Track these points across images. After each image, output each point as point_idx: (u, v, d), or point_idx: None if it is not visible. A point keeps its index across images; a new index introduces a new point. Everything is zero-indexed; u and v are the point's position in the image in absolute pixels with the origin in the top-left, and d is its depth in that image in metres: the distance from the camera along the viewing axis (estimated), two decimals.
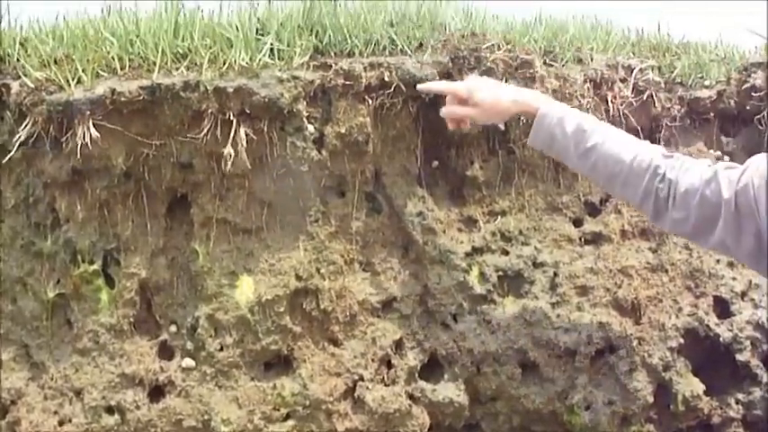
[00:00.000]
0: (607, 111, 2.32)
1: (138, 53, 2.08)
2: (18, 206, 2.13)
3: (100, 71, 2.02)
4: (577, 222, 2.36)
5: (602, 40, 2.49)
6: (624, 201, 2.24)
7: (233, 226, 2.10)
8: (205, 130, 1.99)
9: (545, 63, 2.28)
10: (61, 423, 2.07)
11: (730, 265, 2.35)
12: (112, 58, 2.06)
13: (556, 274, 2.28)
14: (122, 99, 1.96)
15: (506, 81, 2.21)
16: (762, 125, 2.45)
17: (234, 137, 1.98)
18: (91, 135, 1.94)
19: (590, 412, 2.21)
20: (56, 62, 2.06)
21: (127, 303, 2.08)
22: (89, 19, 2.27)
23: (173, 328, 2.11)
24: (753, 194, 1.67)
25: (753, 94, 2.44)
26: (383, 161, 2.21)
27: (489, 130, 2.26)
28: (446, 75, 2.16)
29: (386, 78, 2.09)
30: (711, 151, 2.52)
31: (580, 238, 2.33)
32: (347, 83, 2.06)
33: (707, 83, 2.52)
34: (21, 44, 2.15)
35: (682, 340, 2.26)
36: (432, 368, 2.22)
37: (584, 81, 2.28)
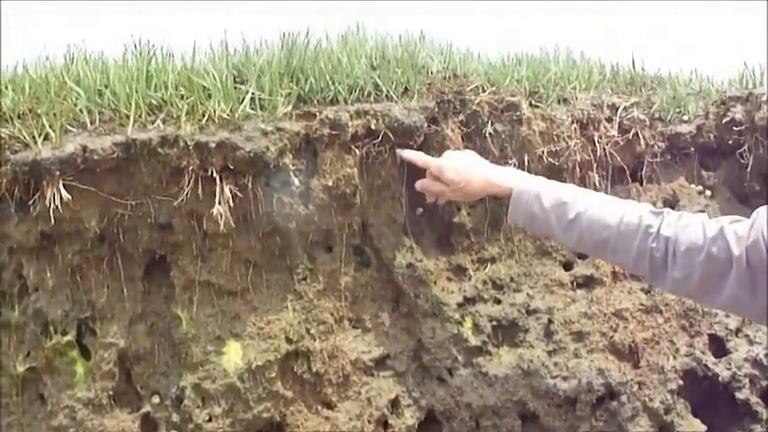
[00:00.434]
0: (594, 151, 2.29)
1: (109, 105, 1.95)
2: None
3: (68, 126, 1.89)
4: (567, 266, 2.32)
5: (583, 77, 2.45)
6: (619, 265, 2.19)
7: (217, 288, 1.98)
8: (185, 188, 1.87)
9: (530, 104, 2.23)
10: None
11: None
12: (80, 110, 1.92)
13: (550, 321, 2.22)
14: (95, 157, 1.83)
15: (492, 124, 2.16)
16: (743, 159, 2.45)
17: (217, 194, 1.87)
18: (61, 197, 1.81)
19: None
20: (19, 117, 1.92)
21: (105, 375, 1.93)
22: (51, 67, 2.14)
23: (155, 400, 1.97)
24: (765, 249, 1.58)
25: (733, 128, 2.44)
26: (369, 212, 2.12)
27: None
28: (432, 120, 2.10)
29: (373, 126, 2.01)
30: (693, 186, 2.52)
31: (572, 282, 2.29)
32: (333, 132, 1.97)
33: (685, 117, 2.51)
34: None
35: (681, 382, 2.23)
36: (430, 425, 2.14)
37: (571, 122, 2.24)
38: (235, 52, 2.16)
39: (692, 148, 2.50)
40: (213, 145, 1.85)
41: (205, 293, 1.98)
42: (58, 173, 1.81)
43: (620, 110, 2.34)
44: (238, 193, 1.89)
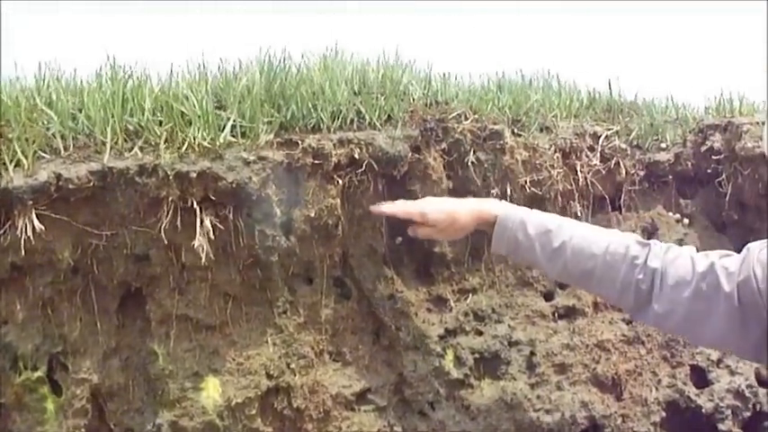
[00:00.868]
0: (576, 180, 2.29)
1: (83, 130, 1.89)
2: None
3: (40, 152, 1.83)
4: (548, 296, 2.31)
5: (564, 105, 2.45)
6: (602, 298, 2.17)
7: (195, 322, 1.92)
8: (163, 219, 1.82)
9: (513, 133, 2.22)
10: None
11: None
12: (53, 135, 1.86)
13: (532, 353, 2.21)
14: (69, 186, 1.76)
15: (475, 153, 2.15)
16: (721, 187, 2.47)
17: (197, 226, 1.82)
18: (33, 227, 1.74)
19: None
20: None
21: (77, 413, 1.85)
22: (21, 88, 2.07)
23: None
24: (756, 286, 1.57)
25: (711, 156, 2.46)
26: (350, 242, 2.09)
27: None
28: (415, 149, 2.07)
29: (356, 156, 1.98)
30: (671, 214, 2.53)
31: (553, 313, 2.28)
32: (316, 162, 1.94)
33: (663, 145, 2.53)
34: None
35: (664, 413, 2.25)
36: None
37: (554, 151, 2.24)
38: (213, 76, 2.11)
39: (670, 176, 2.53)
40: (194, 175, 1.79)
41: (182, 327, 1.92)
42: (30, 202, 1.74)
43: (601, 138, 2.34)
44: (219, 225, 1.84)
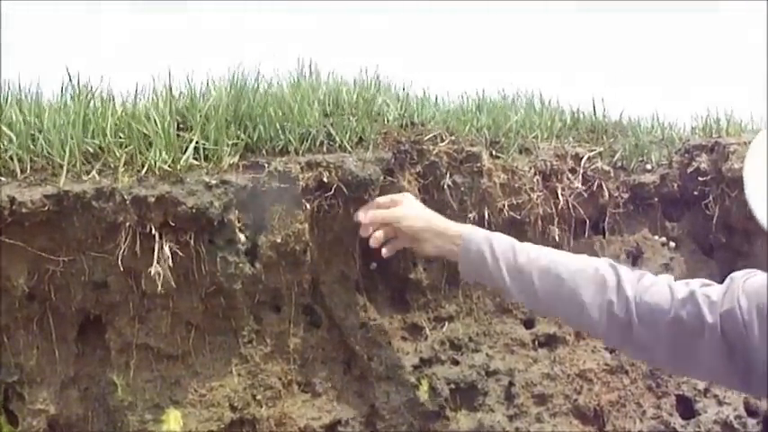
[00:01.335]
0: (556, 204, 2.23)
1: (42, 152, 1.83)
2: None
3: None
4: (528, 324, 2.25)
5: (545, 125, 2.40)
6: (570, 324, 2.07)
7: (156, 352, 1.86)
8: (122, 245, 1.75)
9: (491, 155, 2.17)
10: None
11: None
12: (11, 158, 1.80)
13: (511, 383, 2.16)
14: (23, 210, 1.70)
15: (451, 176, 2.10)
16: (708, 210, 2.41)
17: (157, 252, 1.76)
18: None
19: None
20: None
21: None
22: None
23: None
24: (741, 318, 1.51)
25: (698, 177, 2.41)
26: (320, 269, 2.03)
27: None
28: (388, 171, 2.02)
29: (325, 179, 1.91)
30: (656, 237, 2.48)
31: (533, 341, 2.23)
32: (283, 186, 1.87)
33: (649, 166, 2.48)
34: None
35: None
36: None
37: (534, 173, 2.18)
38: (180, 95, 2.05)
39: (656, 199, 2.48)
40: (152, 199, 1.73)
41: (143, 357, 1.86)
42: None
43: (583, 160, 2.29)
44: (179, 252, 1.78)
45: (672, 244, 2.48)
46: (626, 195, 2.41)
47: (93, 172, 1.77)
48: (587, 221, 2.32)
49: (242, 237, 1.85)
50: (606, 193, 2.33)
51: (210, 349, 1.91)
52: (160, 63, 2.08)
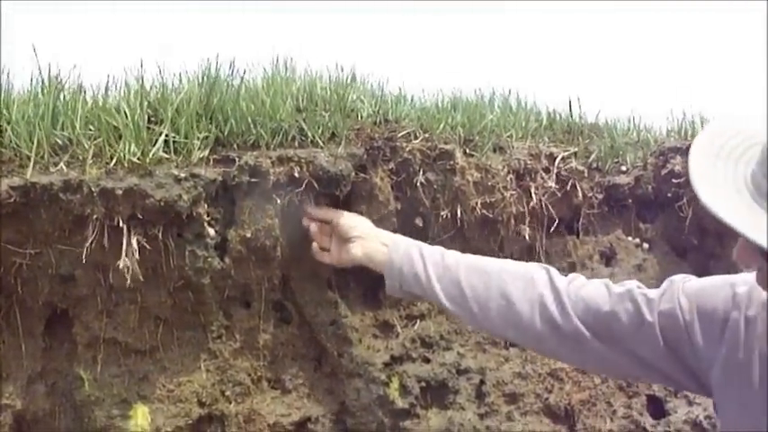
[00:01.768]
0: (529, 203, 2.24)
1: (10, 144, 1.82)
2: None
3: None
4: None
5: (520, 125, 2.41)
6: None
7: (123, 346, 1.86)
8: (89, 238, 1.75)
9: (465, 153, 2.17)
10: None
11: None
12: None
13: (482, 382, 2.17)
14: None
15: (424, 173, 2.10)
16: (682, 212, 2.43)
17: (124, 245, 1.76)
18: None
19: None
20: None
21: None
22: None
23: None
24: (682, 318, 1.52)
25: (672, 179, 2.42)
26: (291, 265, 2.02)
27: (405, 225, 2.12)
28: (360, 168, 2.01)
29: (296, 174, 1.91)
30: (630, 238, 2.49)
31: (505, 340, 2.22)
32: (253, 180, 1.87)
33: (623, 168, 2.49)
34: None
35: None
36: None
37: (507, 172, 2.19)
38: (152, 88, 2.04)
39: (630, 200, 2.49)
40: (120, 192, 1.72)
41: (110, 352, 1.86)
42: None
43: (558, 160, 2.29)
44: (147, 245, 1.77)
45: (645, 245, 2.49)
46: (600, 196, 2.42)
47: (62, 164, 1.77)
48: (561, 221, 2.33)
49: (211, 231, 1.85)
50: (580, 194, 2.33)
51: (179, 344, 1.91)
52: (131, 57, 2.08)
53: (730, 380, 1.46)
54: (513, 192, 2.21)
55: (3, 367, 1.82)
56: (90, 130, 1.86)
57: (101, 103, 1.94)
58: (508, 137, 2.33)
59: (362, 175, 2.02)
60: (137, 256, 1.75)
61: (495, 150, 2.26)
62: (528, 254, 2.30)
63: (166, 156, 1.83)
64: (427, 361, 2.15)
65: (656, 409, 2.28)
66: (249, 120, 1.94)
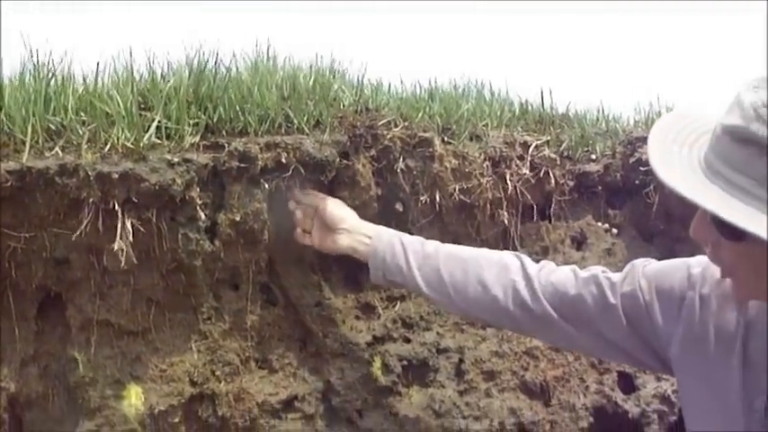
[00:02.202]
0: (505, 189, 2.33)
1: (3, 128, 1.86)
2: None
3: None
4: None
5: (495, 115, 2.51)
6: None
7: (116, 328, 1.91)
8: (84, 222, 1.80)
9: (443, 141, 2.26)
10: None
11: None
12: None
13: (461, 360, 2.25)
14: None
15: (404, 160, 2.18)
16: (649, 198, 2.54)
17: (119, 228, 1.82)
18: None
19: None
20: None
21: None
22: None
23: None
24: (642, 299, 1.63)
25: (639, 167, 2.53)
26: (277, 248, 2.09)
27: (385, 210, 2.21)
28: (344, 154, 2.09)
29: (283, 160, 1.97)
30: (599, 224, 2.60)
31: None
32: (242, 165, 1.93)
33: (593, 156, 2.60)
34: None
35: (591, 419, 2.30)
36: None
37: (484, 159, 2.28)
38: (141, 77, 2.10)
39: (600, 187, 2.59)
40: (116, 176, 1.77)
41: (104, 334, 1.91)
42: None
43: (531, 148, 2.39)
44: (141, 228, 1.82)
45: (614, 230, 2.60)
46: (571, 183, 2.52)
47: (57, 148, 1.82)
48: (534, 207, 2.43)
49: (202, 215, 1.92)
50: (552, 181, 2.43)
51: (170, 326, 1.97)
52: (118, 45, 2.14)
53: (687, 355, 1.56)
54: (489, 178, 2.30)
55: None
56: (81, 116, 1.91)
57: (92, 90, 1.99)
58: (484, 126, 2.42)
59: (345, 161, 2.09)
60: (130, 238, 1.81)
61: (471, 138, 2.35)
62: (503, 238, 2.40)
63: (159, 141, 1.89)
64: (408, 341, 2.23)
65: (627, 384, 2.38)
66: (237, 107, 2.01)
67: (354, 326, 2.18)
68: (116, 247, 1.80)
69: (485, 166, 2.29)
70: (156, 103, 1.95)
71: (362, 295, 2.23)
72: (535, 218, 2.47)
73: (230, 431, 2.00)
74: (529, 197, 2.39)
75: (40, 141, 1.83)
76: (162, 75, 2.11)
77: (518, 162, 2.35)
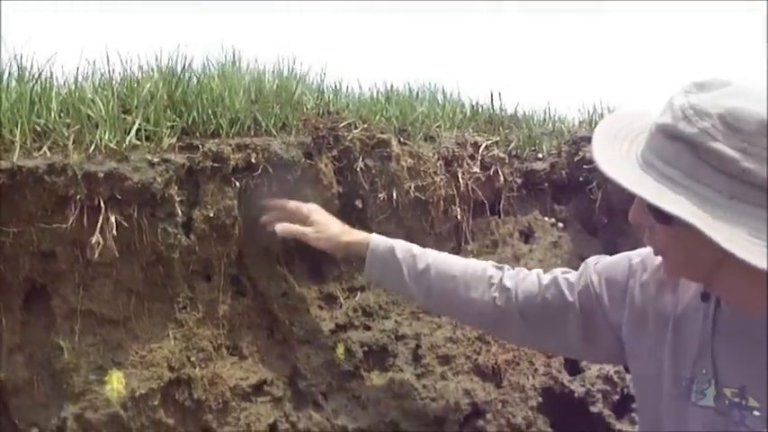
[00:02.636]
0: (457, 186, 2.65)
1: None
2: None
3: None
4: None
5: (447, 116, 2.83)
6: (464, 320, 2.40)
7: (99, 317, 2.17)
8: (70, 217, 2.05)
9: (399, 141, 2.57)
10: None
11: None
12: None
13: (418, 346, 2.54)
14: None
15: (363, 160, 2.48)
16: (592, 194, 2.88)
17: (102, 224, 2.08)
18: None
19: None
20: None
21: None
22: None
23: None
24: (593, 292, 1.92)
25: (583, 165, 2.87)
26: (246, 242, 2.37)
27: (346, 207, 2.51)
28: (307, 155, 2.37)
29: (253, 160, 2.26)
30: (546, 219, 2.93)
31: None
32: (215, 165, 2.21)
33: (540, 155, 2.93)
34: None
35: (540, 399, 2.59)
36: None
37: (437, 159, 2.60)
38: (118, 83, 2.37)
39: (546, 184, 2.92)
40: (101, 175, 2.04)
41: (87, 322, 2.16)
42: None
43: (481, 148, 2.71)
44: (123, 223, 2.09)
45: (560, 224, 2.92)
46: (519, 180, 2.85)
47: (45, 149, 2.08)
48: (485, 203, 2.75)
49: (179, 211, 2.19)
50: (502, 178, 2.76)
51: (149, 315, 2.23)
52: (96, 47, 2.40)
53: (632, 335, 1.85)
54: (443, 176, 2.61)
55: None
56: (64, 118, 2.17)
57: (74, 95, 2.24)
58: (437, 127, 2.74)
59: (309, 161, 2.38)
60: (114, 233, 2.08)
61: (425, 139, 2.66)
62: (455, 232, 2.71)
63: (139, 143, 2.16)
64: (368, 328, 2.52)
65: (573, 366, 2.69)
66: (210, 111, 2.29)
67: (318, 314, 2.46)
68: (100, 242, 2.07)
69: (438, 165, 2.60)
70: (135, 106, 2.22)
71: (325, 286, 2.52)
72: (486, 213, 2.78)
73: (205, 413, 2.27)
74: (480, 194, 2.71)
75: (28, 142, 2.08)
76: (138, 80, 2.38)
77: (469, 161, 2.67)
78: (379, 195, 2.52)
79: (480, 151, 2.72)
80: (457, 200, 2.67)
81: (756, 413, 1.55)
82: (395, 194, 2.54)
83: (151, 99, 2.25)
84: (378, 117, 2.61)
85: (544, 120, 3.17)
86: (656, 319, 1.79)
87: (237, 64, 2.69)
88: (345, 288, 2.55)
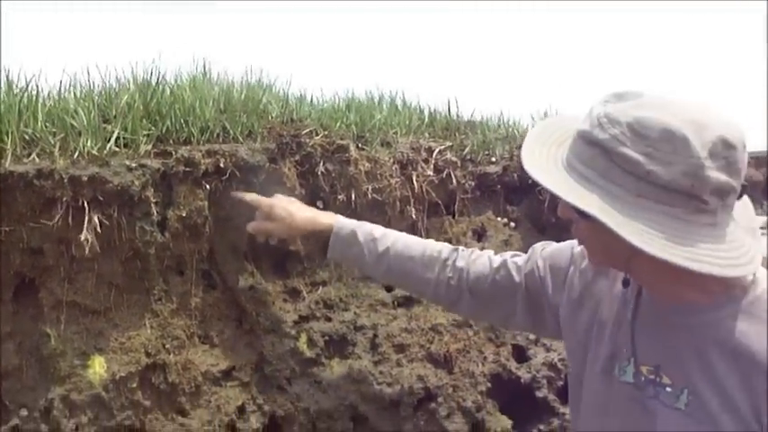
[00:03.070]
0: (412, 188, 3.03)
1: None
2: None
3: None
4: (389, 288, 3.03)
5: (404, 123, 3.22)
6: (421, 297, 2.80)
7: (83, 308, 2.52)
8: (57, 217, 2.39)
9: (358, 147, 2.95)
10: None
11: None
12: None
13: (375, 336, 2.92)
14: None
15: (324, 164, 2.85)
16: (541, 195, 3.26)
17: (85, 222, 2.45)
18: None
19: None
20: None
21: None
22: None
23: (23, 412, 2.46)
24: (538, 275, 2.20)
25: None
26: (216, 239, 2.74)
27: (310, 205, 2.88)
28: (272, 160, 2.74)
29: (222, 165, 2.62)
30: (499, 218, 3.32)
31: (393, 302, 3.01)
32: (187, 169, 2.58)
33: (493, 159, 3.32)
34: None
35: (489, 384, 2.98)
36: (273, 429, 2.78)
37: (393, 163, 2.98)
38: (100, 93, 2.74)
39: (499, 186, 3.31)
40: (85, 178, 2.40)
41: (72, 313, 2.52)
42: None
43: (435, 153, 3.10)
44: (105, 221, 2.45)
45: (512, 224, 3.30)
46: (473, 183, 3.23)
47: (33, 155, 2.44)
48: (440, 204, 3.13)
49: (155, 211, 2.56)
50: (455, 181, 3.14)
51: (128, 305, 2.59)
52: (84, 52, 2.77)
53: (569, 317, 2.13)
54: (398, 179, 2.99)
55: None
56: (49, 126, 2.52)
57: (58, 105, 2.61)
58: (394, 133, 3.13)
59: (273, 165, 2.75)
60: (98, 230, 2.44)
61: (382, 145, 3.04)
62: (411, 231, 3.05)
63: (118, 149, 2.54)
64: (329, 320, 2.90)
65: (520, 354, 3.08)
66: (182, 120, 2.68)
67: (283, 307, 2.84)
68: (83, 239, 2.43)
69: (394, 168, 2.98)
70: (114, 116, 2.60)
71: (289, 281, 2.90)
72: (441, 213, 3.16)
73: (179, 395, 2.64)
74: (434, 195, 3.10)
75: (18, 149, 2.43)
76: (116, 92, 2.76)
77: (423, 165, 3.06)
78: (339, 197, 2.89)
79: (434, 156, 3.10)
80: (412, 201, 3.05)
81: (669, 389, 1.79)
82: (353, 196, 2.92)
83: (129, 109, 2.62)
84: (338, 124, 2.99)
85: (498, 125, 3.55)
86: (590, 302, 2.05)
87: (208, 75, 3.07)
88: (308, 282, 2.92)
